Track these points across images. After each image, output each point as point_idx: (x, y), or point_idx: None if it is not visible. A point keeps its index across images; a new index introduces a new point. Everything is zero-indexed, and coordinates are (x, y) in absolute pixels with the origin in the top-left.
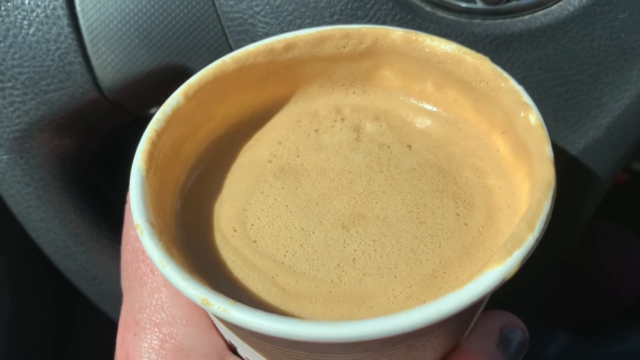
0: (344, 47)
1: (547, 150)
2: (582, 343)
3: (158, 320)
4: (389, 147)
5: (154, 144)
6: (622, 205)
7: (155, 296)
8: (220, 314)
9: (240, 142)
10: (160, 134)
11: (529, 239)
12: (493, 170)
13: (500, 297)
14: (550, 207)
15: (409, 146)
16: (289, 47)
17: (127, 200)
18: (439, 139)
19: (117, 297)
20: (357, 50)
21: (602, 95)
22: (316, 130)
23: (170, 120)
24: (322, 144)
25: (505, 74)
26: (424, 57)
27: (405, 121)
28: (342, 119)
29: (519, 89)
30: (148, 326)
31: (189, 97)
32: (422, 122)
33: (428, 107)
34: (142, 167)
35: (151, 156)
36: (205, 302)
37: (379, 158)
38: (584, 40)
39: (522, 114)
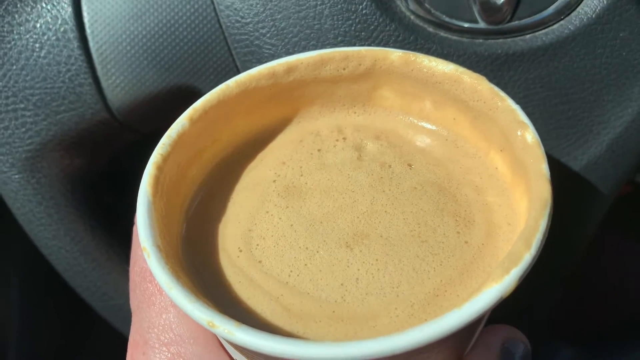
0: (344, 69)
1: (544, 169)
2: (588, 357)
3: (166, 340)
4: (390, 166)
5: (160, 168)
6: (626, 215)
7: (164, 316)
8: (225, 336)
9: (245, 162)
10: (166, 158)
11: (526, 257)
12: (492, 188)
13: (506, 310)
14: (547, 225)
15: (410, 165)
16: (290, 70)
17: (135, 221)
18: (438, 157)
19: (126, 313)
20: (356, 72)
21: (604, 113)
22: (319, 150)
23: (176, 144)
24: (325, 163)
25: (502, 94)
26: (422, 77)
27: (405, 140)
28: (344, 139)
29: (516, 107)
30: (157, 345)
31: (194, 121)
32: (422, 141)
33: (427, 125)
34: (149, 192)
35: (157, 180)
36: (210, 324)
37: (381, 177)
38: (585, 58)
39: (519, 133)
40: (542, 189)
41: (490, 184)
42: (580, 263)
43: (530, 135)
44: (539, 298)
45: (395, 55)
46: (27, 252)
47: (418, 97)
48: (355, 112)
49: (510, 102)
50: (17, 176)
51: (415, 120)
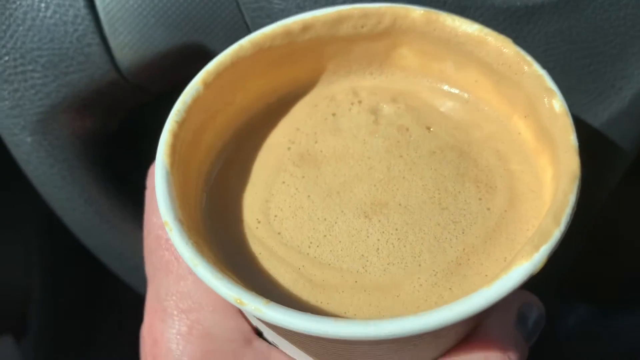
0: (362, 27)
1: (572, 140)
2: (603, 314)
3: (185, 307)
4: (407, 129)
5: (176, 136)
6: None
7: (182, 283)
8: (254, 313)
9: (259, 128)
10: (181, 125)
11: (555, 234)
12: (515, 154)
13: None
14: (576, 199)
15: (428, 128)
16: (306, 28)
17: (148, 185)
18: (458, 120)
19: (143, 273)
20: (375, 30)
21: (627, 67)
22: (333, 114)
23: (191, 110)
24: (340, 128)
25: (529, 57)
26: (444, 37)
27: (424, 102)
28: (359, 102)
29: (543, 73)
30: (175, 312)
31: (208, 85)
32: (442, 104)
33: (447, 88)
34: (166, 162)
35: (174, 149)
36: (239, 301)
37: (398, 142)
38: (609, 9)
39: (546, 100)
40: (571, 162)
41: (513, 149)
42: (597, 219)
43: (558, 103)
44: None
45: (416, 13)
46: (48, 214)
47: (439, 57)
48: (371, 74)
49: (537, 67)
50: (29, 139)
51: (435, 83)
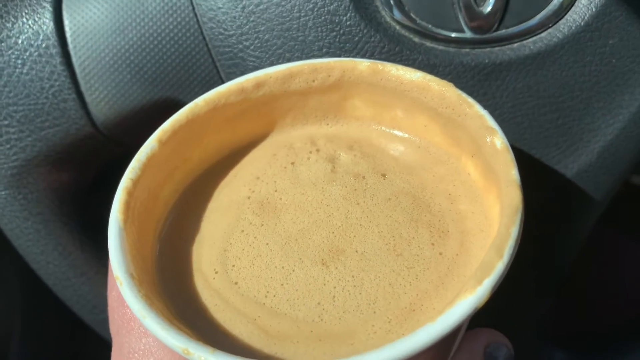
0: (313, 81)
1: (514, 174)
2: None
3: None
4: (364, 177)
5: (130, 193)
6: (621, 215)
7: (143, 340)
8: None
9: (218, 179)
10: (136, 182)
11: (499, 266)
12: (465, 195)
13: (500, 316)
14: (519, 231)
15: (384, 175)
16: (259, 85)
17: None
18: (412, 165)
19: None
20: (326, 83)
21: (594, 120)
22: (292, 163)
23: (146, 167)
24: (299, 177)
25: (470, 100)
26: (391, 86)
27: (379, 149)
28: (317, 150)
29: (484, 113)
30: None
31: (163, 142)
32: (395, 149)
33: (399, 133)
34: (120, 218)
35: (128, 205)
36: (185, 351)
37: (355, 190)
38: (574, 66)
39: (488, 139)
40: (513, 195)
41: (464, 190)
42: (573, 266)
43: (499, 140)
44: (533, 303)
45: (363, 65)
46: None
47: (389, 106)
48: (327, 124)
49: (478, 108)
50: (3, 192)
51: (388, 129)
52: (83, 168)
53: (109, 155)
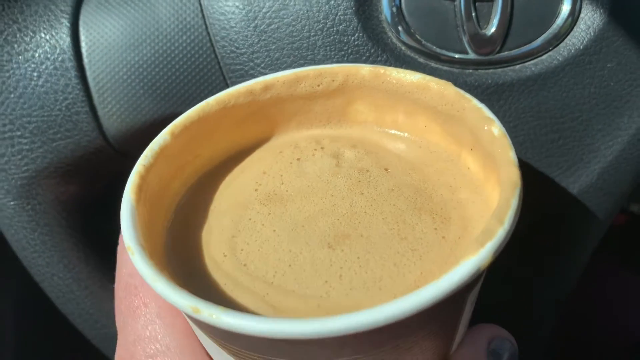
0: (319, 85)
1: (511, 156)
2: None
3: (152, 351)
4: (367, 170)
5: (143, 178)
6: (621, 245)
7: (149, 327)
8: (210, 320)
9: (226, 174)
10: (148, 169)
11: (500, 232)
12: (465, 186)
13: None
14: (518, 204)
15: (386, 169)
16: (267, 88)
17: (120, 241)
18: (413, 161)
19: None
20: (330, 88)
21: (594, 142)
22: (298, 159)
23: (158, 156)
24: (304, 171)
25: (467, 95)
26: (392, 88)
27: (381, 147)
28: (322, 148)
29: (481, 106)
30: (143, 358)
31: (175, 135)
32: (397, 147)
33: (401, 134)
34: (132, 198)
35: (140, 188)
36: (195, 309)
37: (359, 181)
38: (574, 88)
39: (486, 127)
40: (512, 174)
41: (464, 183)
42: (572, 292)
43: (496, 128)
44: (532, 328)
45: (365, 69)
46: (25, 286)
47: (390, 109)
48: (331, 128)
49: (475, 102)
50: (12, 203)
51: (390, 130)
52: (91, 181)
53: (118, 169)
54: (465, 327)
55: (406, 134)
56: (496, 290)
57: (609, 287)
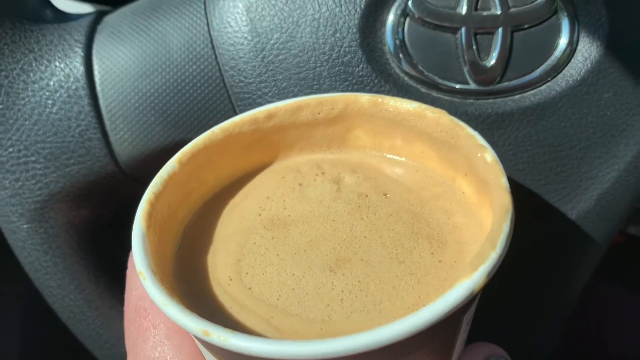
0: (319, 113)
1: (503, 182)
2: None
3: None
4: (367, 195)
5: (153, 205)
6: (619, 265)
7: (158, 349)
8: (220, 342)
9: (230, 199)
10: (158, 196)
11: (492, 256)
12: (460, 210)
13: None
14: (510, 228)
15: (385, 194)
16: (270, 116)
17: (129, 264)
18: (410, 186)
19: None
20: (330, 115)
21: (591, 169)
22: (300, 184)
23: (167, 184)
24: (306, 196)
25: (461, 123)
26: (390, 116)
27: (380, 172)
28: (323, 173)
29: (475, 134)
30: None
31: (183, 164)
32: (395, 172)
33: (398, 159)
34: (143, 225)
35: (150, 216)
36: (205, 332)
37: (359, 206)
38: (572, 118)
39: (479, 154)
40: (503, 199)
41: (459, 207)
42: (571, 313)
43: (489, 155)
44: (531, 348)
45: (364, 98)
46: (30, 302)
47: (388, 135)
48: (332, 153)
49: (469, 130)
50: (25, 226)
51: (388, 155)
52: (102, 205)
53: (129, 193)
54: (462, 345)
55: (404, 159)
56: (496, 310)
57: (607, 308)
